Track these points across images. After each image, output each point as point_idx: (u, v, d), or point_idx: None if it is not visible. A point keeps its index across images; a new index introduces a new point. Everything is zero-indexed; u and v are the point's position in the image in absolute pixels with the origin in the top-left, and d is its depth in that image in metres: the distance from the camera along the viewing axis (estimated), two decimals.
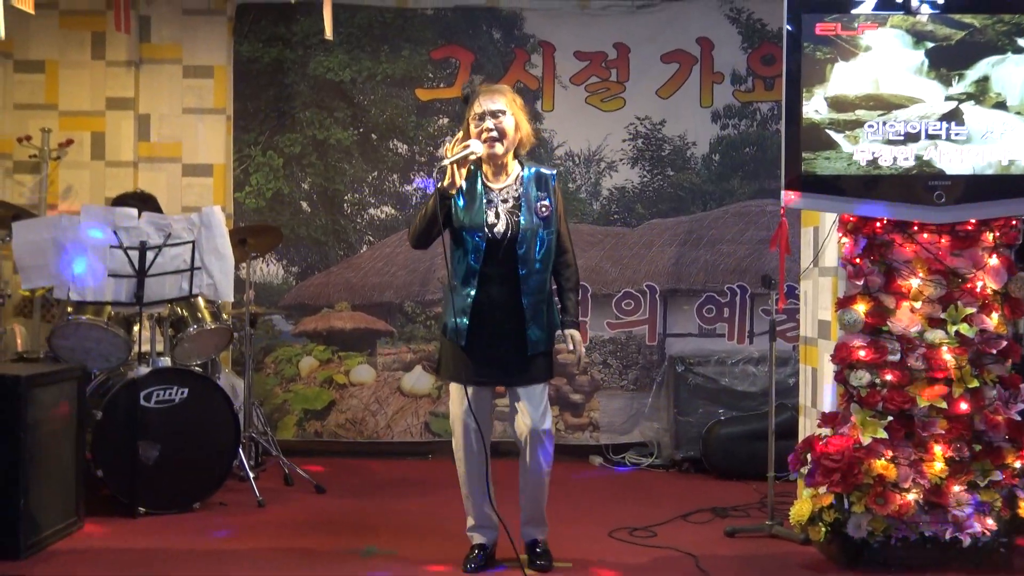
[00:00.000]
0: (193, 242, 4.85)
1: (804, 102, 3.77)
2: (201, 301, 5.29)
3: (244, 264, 5.85)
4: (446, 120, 7.15)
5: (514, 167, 3.73)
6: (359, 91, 7.15)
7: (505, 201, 3.55)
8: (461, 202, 3.65)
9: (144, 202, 5.45)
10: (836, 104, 3.80)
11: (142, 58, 7.11)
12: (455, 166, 3.51)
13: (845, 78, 3.82)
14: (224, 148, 7.08)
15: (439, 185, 3.53)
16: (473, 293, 3.43)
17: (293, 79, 7.10)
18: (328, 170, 7.15)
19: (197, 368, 5.17)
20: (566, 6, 7.13)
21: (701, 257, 7.11)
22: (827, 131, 3.80)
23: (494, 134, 3.64)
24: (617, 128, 7.17)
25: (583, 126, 6.94)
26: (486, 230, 3.57)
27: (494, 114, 3.69)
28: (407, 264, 7.14)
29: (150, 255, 4.69)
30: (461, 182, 3.49)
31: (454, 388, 3.51)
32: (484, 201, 3.61)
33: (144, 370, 4.73)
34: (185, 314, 5.23)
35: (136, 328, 4.95)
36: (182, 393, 4.73)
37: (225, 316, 5.45)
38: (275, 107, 7.13)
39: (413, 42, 7.13)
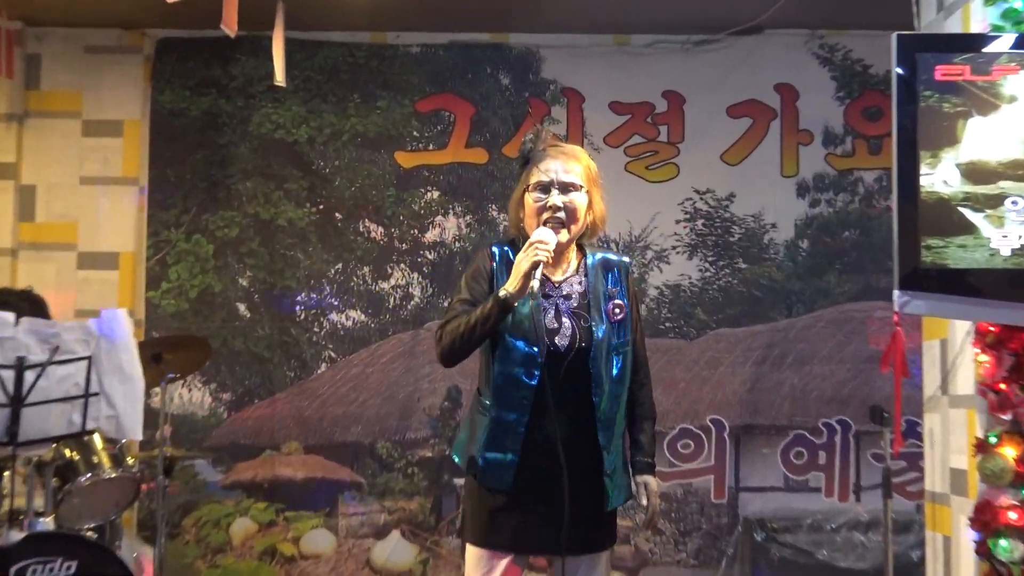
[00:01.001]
0: (89, 358, 4.66)
1: (925, 170, 3.82)
2: (98, 440, 5.21)
3: (158, 389, 5.86)
4: (436, 194, 7.28)
5: (575, 253, 3.75)
6: (319, 155, 7.31)
7: (568, 298, 3.52)
8: (496, 283, 3.64)
9: (30, 305, 5.54)
10: (972, 173, 3.85)
11: (28, 110, 7.23)
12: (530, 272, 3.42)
13: (983, 138, 3.85)
14: (135, 231, 7.18)
15: (506, 292, 3.46)
16: (526, 422, 3.36)
17: (230, 138, 7.26)
18: (275, 261, 7.27)
19: (90, 533, 5.10)
20: (598, 42, 7.29)
21: (786, 381, 7.16)
22: (960, 209, 3.84)
23: (561, 215, 3.61)
24: (669, 205, 7.27)
25: (623, 202, 6.95)
26: (546, 339, 3.49)
27: (565, 187, 3.66)
28: (382, 389, 7.18)
29: (29, 376, 4.50)
30: (535, 283, 3.43)
31: (476, 556, 3.38)
32: (539, 300, 3.57)
33: (16, 536, 4.57)
34: (76, 458, 5.16)
35: (6, 476, 4.83)
36: (68, 569, 4.55)
37: (130, 461, 5.34)
38: (205, 176, 7.26)
39: (392, 90, 7.29)
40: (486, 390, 3.42)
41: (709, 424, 7.05)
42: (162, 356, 6.03)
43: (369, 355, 7.09)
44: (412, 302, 6.93)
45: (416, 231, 7.12)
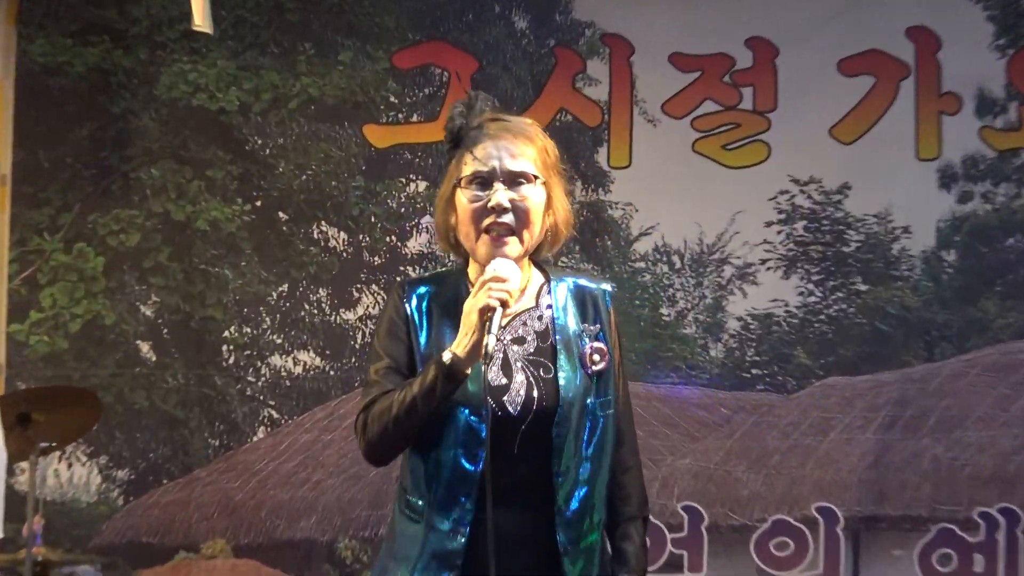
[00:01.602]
0: None
1: None
2: None
3: (25, 464, 6.06)
4: (423, 185, 7.26)
5: (530, 274, 3.55)
6: (255, 130, 7.21)
7: (521, 341, 3.42)
8: (423, 338, 3.41)
9: None
10: None
11: None
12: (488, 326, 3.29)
13: None
14: None
15: (453, 356, 3.30)
16: (468, 522, 3.33)
17: (129, 106, 7.11)
18: (193, 281, 7.07)
19: None
20: None
21: (925, 452, 6.89)
22: None
23: (508, 219, 3.41)
24: (756, 201, 7.06)
25: (689, 196, 6.88)
26: (488, 401, 3.37)
27: (512, 179, 3.44)
28: (345, 465, 7.02)
29: None
30: (490, 339, 3.28)
31: None
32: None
33: None
34: None
35: None
36: None
37: None
38: (93, 160, 7.18)
39: (360, 37, 7.16)
40: (411, 484, 3.37)
41: (815, 515, 6.78)
42: (30, 417, 5.85)
43: (327, 415, 6.99)
44: None
45: (394, 238, 7.14)
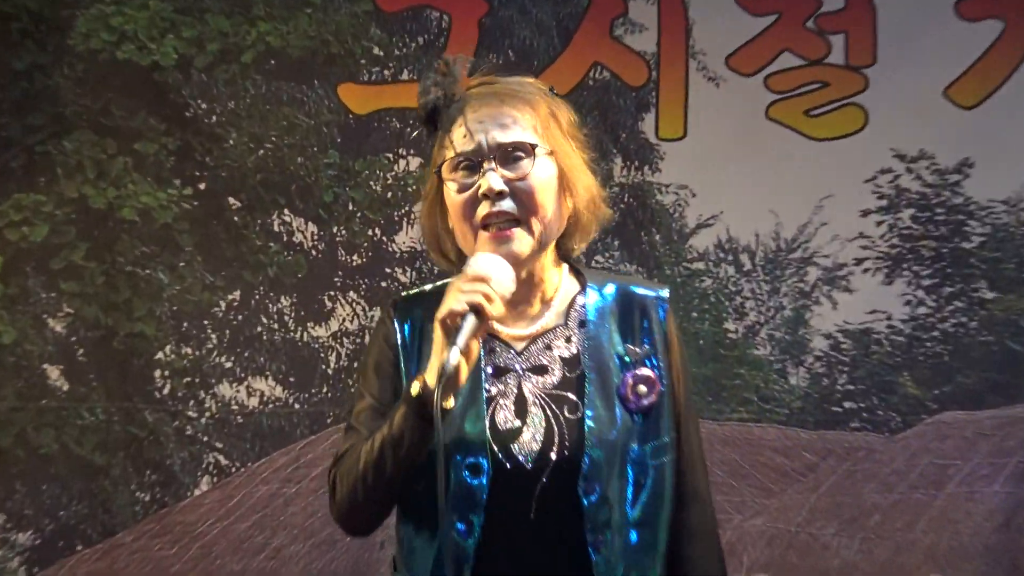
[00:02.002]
0: None
1: None
2: None
3: None
4: (416, 162, 7.16)
5: (559, 281, 3.02)
6: (199, 91, 6.98)
7: (540, 370, 2.91)
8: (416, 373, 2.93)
9: None
10: None
11: None
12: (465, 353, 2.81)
13: None
14: None
15: (421, 387, 2.76)
16: None
17: (35, 60, 6.84)
18: (117, 286, 6.72)
19: None
20: None
21: None
22: None
23: (508, 206, 2.88)
24: (849, 181, 6.79)
25: (762, 177, 6.64)
26: (494, 449, 2.91)
27: (506, 153, 2.92)
28: (313, 526, 6.71)
29: None
30: (449, 355, 2.72)
31: None
32: (482, 376, 2.91)
33: None
34: None
35: None
36: None
37: None
38: None
39: None
40: (401, 557, 2.85)
41: None
42: None
43: (290, 462, 6.68)
44: None
45: (377, 231, 6.93)
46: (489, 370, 2.90)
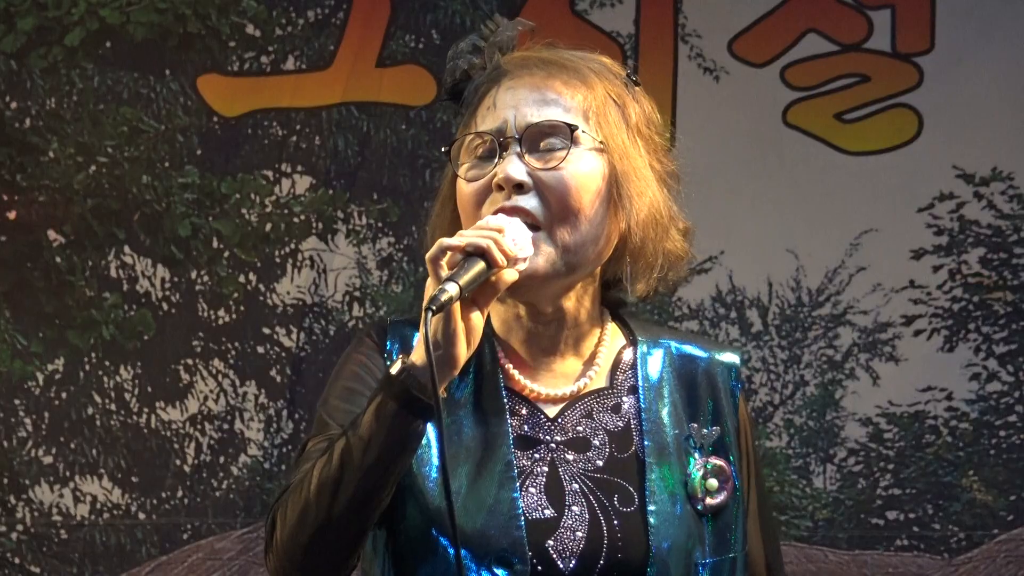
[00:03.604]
0: None
1: None
2: None
3: None
4: (306, 182, 6.54)
5: (601, 330, 3.24)
6: (7, 86, 6.49)
7: (581, 446, 3.14)
8: (434, 449, 3.14)
9: None
10: None
11: None
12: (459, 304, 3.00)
13: None
14: None
15: (407, 362, 2.99)
16: None
17: None
18: None
19: None
20: None
21: None
22: None
23: (528, 203, 3.09)
24: (895, 210, 6.38)
25: (777, 203, 6.36)
26: (527, 546, 3.12)
27: (534, 137, 3.14)
28: None
29: None
30: (445, 288, 2.98)
31: None
32: (507, 449, 3.11)
33: None
34: None
35: None
36: None
37: None
38: None
39: None
40: None
41: None
42: None
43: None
44: (245, 454, 6.59)
45: (252, 276, 6.38)
46: (511, 439, 3.02)
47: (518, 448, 3.12)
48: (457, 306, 2.97)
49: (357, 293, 6.50)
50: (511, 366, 3.16)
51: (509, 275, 3.02)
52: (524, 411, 3.16)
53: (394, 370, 3.04)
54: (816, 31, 6.24)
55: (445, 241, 3.01)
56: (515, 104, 3.17)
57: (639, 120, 3.21)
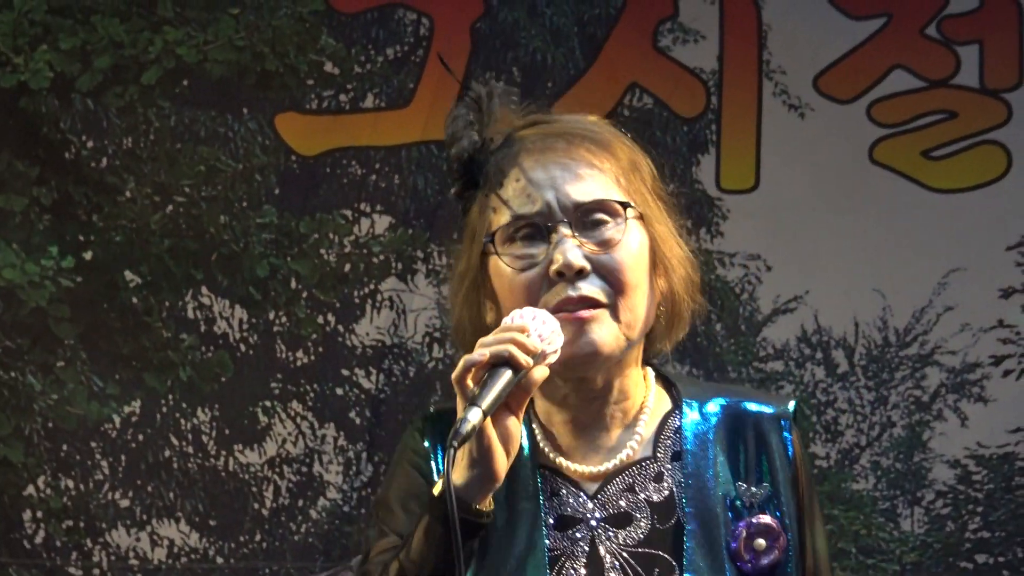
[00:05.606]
0: None
1: None
2: None
3: None
4: (386, 222, 6.60)
5: (645, 394, 3.17)
6: (82, 124, 6.44)
7: (623, 522, 3.09)
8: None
9: None
10: None
11: None
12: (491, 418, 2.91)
13: None
14: None
15: (441, 492, 2.90)
16: None
17: None
18: None
19: None
20: None
21: None
22: None
23: (592, 290, 2.98)
24: (984, 249, 6.35)
25: (864, 242, 6.33)
26: None
27: (583, 216, 3.03)
28: None
29: None
30: (469, 415, 2.85)
31: None
32: (542, 533, 3.05)
33: None
34: None
35: None
36: None
37: None
38: None
39: None
40: None
41: None
42: None
43: None
44: (324, 497, 6.58)
45: (332, 317, 6.42)
46: (551, 520, 2.96)
47: (557, 529, 3.09)
48: (488, 421, 2.93)
49: (437, 334, 6.54)
50: (549, 449, 3.12)
51: (539, 372, 2.99)
52: (563, 491, 3.12)
53: (436, 491, 3.00)
54: (903, 67, 6.24)
55: (469, 358, 2.94)
56: (551, 183, 3.08)
57: (652, 179, 3.09)
